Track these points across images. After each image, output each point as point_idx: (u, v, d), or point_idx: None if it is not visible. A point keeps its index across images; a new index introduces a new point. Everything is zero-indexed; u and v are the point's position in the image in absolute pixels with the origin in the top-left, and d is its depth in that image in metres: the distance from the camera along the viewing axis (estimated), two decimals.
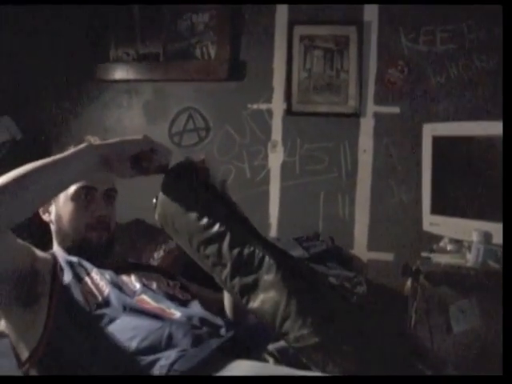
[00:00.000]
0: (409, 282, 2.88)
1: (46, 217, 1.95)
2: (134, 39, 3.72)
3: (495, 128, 2.53)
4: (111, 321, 1.60)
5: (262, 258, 1.46)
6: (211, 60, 3.63)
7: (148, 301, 1.69)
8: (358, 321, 1.41)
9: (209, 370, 1.43)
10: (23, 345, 1.65)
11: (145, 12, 3.68)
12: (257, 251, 1.47)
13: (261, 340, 1.56)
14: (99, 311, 1.63)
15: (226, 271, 1.47)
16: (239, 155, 3.63)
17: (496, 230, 2.61)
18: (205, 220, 1.52)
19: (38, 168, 1.54)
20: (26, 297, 1.65)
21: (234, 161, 3.62)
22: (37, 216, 1.92)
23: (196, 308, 1.74)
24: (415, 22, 3.34)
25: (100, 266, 1.82)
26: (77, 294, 1.66)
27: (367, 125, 3.45)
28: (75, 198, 1.89)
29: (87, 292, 1.68)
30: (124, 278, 1.81)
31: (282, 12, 3.53)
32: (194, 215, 1.53)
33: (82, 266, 1.80)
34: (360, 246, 3.49)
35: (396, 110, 3.40)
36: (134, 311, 1.63)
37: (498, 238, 2.63)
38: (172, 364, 1.43)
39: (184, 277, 2.02)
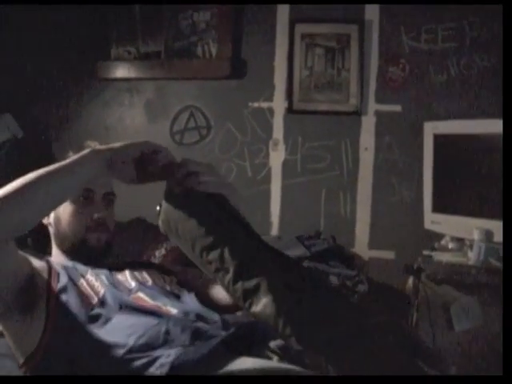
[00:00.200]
0: (410, 281, 2.88)
1: (45, 220, 1.95)
2: (136, 37, 3.72)
3: (496, 126, 2.53)
4: (108, 320, 1.60)
5: (265, 263, 1.46)
6: (212, 58, 3.63)
7: (144, 298, 1.69)
8: (359, 321, 1.41)
9: (210, 368, 1.42)
10: (19, 351, 1.65)
11: (146, 10, 3.67)
12: (259, 256, 1.47)
13: (262, 336, 1.55)
14: (95, 311, 1.63)
15: (229, 276, 1.47)
16: (240, 153, 3.63)
17: (497, 228, 2.61)
18: (207, 225, 1.52)
19: (42, 177, 1.52)
20: (25, 305, 1.65)
21: (236, 159, 3.62)
22: None
23: (192, 303, 1.74)
24: (416, 21, 3.34)
25: (95, 266, 1.83)
26: (73, 296, 1.66)
27: (368, 123, 3.45)
28: (74, 200, 1.89)
29: (83, 294, 1.69)
30: (119, 276, 1.81)
31: (283, 10, 3.53)
32: (196, 222, 1.53)
33: (76, 269, 1.80)
34: (361, 245, 3.49)
35: (397, 108, 3.40)
36: (131, 309, 1.63)
37: (499, 236, 2.63)
38: (173, 362, 1.43)
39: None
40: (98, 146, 1.65)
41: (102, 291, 1.70)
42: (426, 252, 2.96)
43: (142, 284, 1.78)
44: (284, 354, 1.49)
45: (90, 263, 1.84)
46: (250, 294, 1.45)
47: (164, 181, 1.62)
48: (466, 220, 2.87)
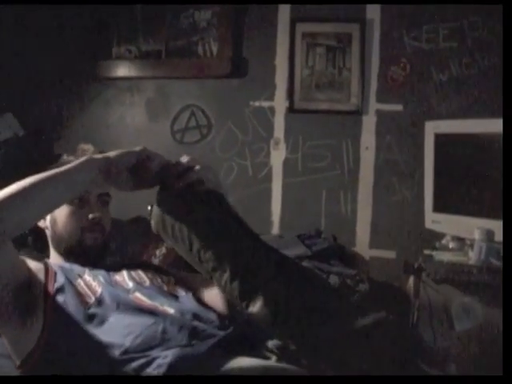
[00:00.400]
0: (411, 280, 2.88)
1: (41, 223, 1.96)
2: (136, 36, 3.72)
3: (497, 125, 2.52)
4: (105, 319, 1.60)
5: (263, 262, 1.46)
6: (213, 57, 3.63)
7: (142, 298, 1.69)
8: (357, 320, 1.41)
9: (208, 368, 1.42)
10: (17, 351, 1.65)
11: (147, 9, 3.67)
12: (256, 255, 1.47)
13: (260, 336, 1.55)
14: (93, 311, 1.63)
15: (226, 275, 1.47)
16: (241, 152, 3.62)
17: (498, 227, 2.60)
18: (205, 224, 1.52)
19: (40, 181, 1.53)
20: (23, 306, 1.65)
21: (236, 158, 3.62)
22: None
23: (190, 303, 1.74)
24: (417, 20, 3.34)
25: (92, 267, 1.83)
26: (70, 296, 1.66)
27: (369, 122, 3.45)
28: (69, 201, 1.89)
29: (80, 294, 1.69)
30: (117, 277, 1.82)
31: (284, 9, 3.52)
32: (193, 220, 1.53)
33: (74, 269, 1.80)
34: (362, 244, 3.49)
35: (398, 107, 3.40)
36: (128, 308, 1.64)
37: (500, 236, 2.62)
38: (170, 362, 1.43)
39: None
40: (95, 155, 1.66)
41: (99, 290, 1.70)
42: (426, 251, 2.96)
43: (139, 284, 1.78)
44: (282, 353, 1.49)
45: (88, 264, 1.84)
46: (247, 294, 1.45)
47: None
48: (467, 219, 2.87)
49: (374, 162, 3.46)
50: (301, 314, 1.38)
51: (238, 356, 1.48)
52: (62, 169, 1.57)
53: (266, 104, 3.58)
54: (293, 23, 3.50)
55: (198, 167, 1.61)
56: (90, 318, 1.61)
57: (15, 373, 1.64)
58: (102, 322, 1.60)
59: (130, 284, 1.77)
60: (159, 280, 1.87)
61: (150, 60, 3.72)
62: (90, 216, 1.91)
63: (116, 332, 1.55)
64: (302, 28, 3.49)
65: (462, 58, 3.28)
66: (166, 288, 1.83)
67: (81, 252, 1.90)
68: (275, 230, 3.59)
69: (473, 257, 2.72)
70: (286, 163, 3.58)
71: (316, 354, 1.36)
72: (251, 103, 3.60)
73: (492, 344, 2.60)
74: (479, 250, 2.69)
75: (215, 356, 1.45)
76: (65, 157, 2.00)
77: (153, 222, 1.63)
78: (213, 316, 1.66)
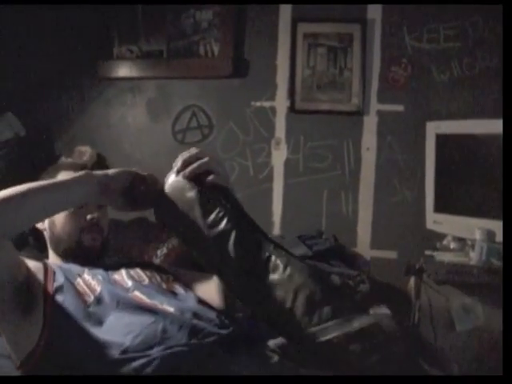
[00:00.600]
0: (412, 281, 2.89)
1: (39, 225, 1.97)
2: (138, 37, 3.72)
3: (498, 126, 2.52)
4: (104, 318, 1.60)
5: (269, 257, 1.46)
6: (215, 57, 3.62)
7: (141, 297, 1.69)
8: (360, 318, 1.41)
9: (208, 367, 1.42)
10: (17, 351, 1.65)
11: (148, 9, 3.67)
12: (263, 250, 1.47)
13: (261, 336, 1.56)
14: (92, 309, 1.63)
15: (231, 270, 1.47)
16: (242, 153, 3.62)
17: (499, 228, 2.60)
18: (211, 218, 1.52)
19: (40, 188, 1.58)
20: (23, 305, 1.65)
21: (238, 158, 3.62)
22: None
23: (189, 301, 1.74)
24: (419, 20, 3.34)
25: (91, 267, 1.83)
26: (70, 295, 1.67)
27: (370, 123, 3.45)
28: None
29: (80, 293, 1.69)
30: (116, 276, 1.82)
31: (285, 9, 3.52)
32: (199, 213, 1.53)
33: (73, 269, 1.80)
34: (363, 244, 3.49)
35: (399, 107, 3.40)
36: (127, 307, 1.64)
37: (501, 236, 2.62)
38: (170, 362, 1.43)
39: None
40: (94, 171, 1.68)
41: (98, 289, 1.70)
42: (427, 252, 2.96)
43: (138, 283, 1.78)
44: (283, 352, 1.49)
45: (86, 264, 1.84)
46: (253, 289, 1.45)
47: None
48: (468, 220, 2.87)
49: (375, 162, 3.46)
50: (308, 310, 1.38)
51: (238, 355, 1.48)
52: (61, 180, 1.66)
53: (267, 104, 3.58)
54: (294, 23, 3.49)
55: (206, 159, 1.62)
56: (90, 316, 1.61)
57: (15, 373, 1.64)
58: (102, 320, 1.60)
59: (129, 283, 1.77)
60: (158, 278, 1.87)
61: (151, 60, 3.72)
62: (88, 217, 1.92)
63: (116, 331, 1.55)
64: (303, 28, 3.49)
65: (463, 59, 3.29)
66: (164, 286, 1.83)
67: (79, 253, 1.90)
68: (276, 230, 3.59)
69: (474, 257, 2.72)
70: (287, 163, 3.58)
71: (318, 353, 1.36)
72: (252, 103, 3.60)
73: (493, 344, 2.60)
74: (480, 251, 2.69)
75: (215, 355, 1.45)
76: (63, 159, 2.01)
77: (156, 212, 1.64)
78: (212, 315, 1.66)
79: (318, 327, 1.37)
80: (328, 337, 1.35)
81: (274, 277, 1.43)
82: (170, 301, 1.69)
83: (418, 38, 3.35)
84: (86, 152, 1.98)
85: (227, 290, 1.75)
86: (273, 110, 3.58)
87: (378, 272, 3.36)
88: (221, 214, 1.53)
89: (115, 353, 1.49)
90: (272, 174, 3.60)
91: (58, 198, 1.61)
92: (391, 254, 3.42)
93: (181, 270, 2.04)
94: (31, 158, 3.35)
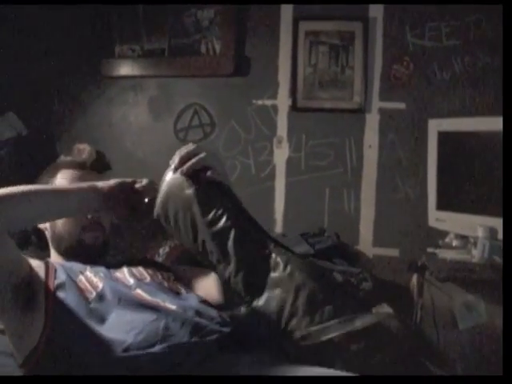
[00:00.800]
0: (414, 278, 2.88)
1: (41, 225, 1.97)
2: (139, 35, 3.72)
3: (500, 124, 2.52)
4: (106, 315, 1.60)
5: (269, 255, 1.46)
6: (216, 56, 3.62)
7: (143, 295, 1.69)
8: (362, 317, 1.40)
9: (210, 365, 1.42)
10: (20, 350, 1.65)
11: (149, 8, 3.67)
12: (263, 248, 1.46)
13: (261, 335, 1.55)
14: (94, 306, 1.63)
15: (231, 268, 1.47)
16: (244, 151, 3.63)
17: (501, 225, 2.60)
18: (210, 215, 1.52)
19: (46, 191, 1.64)
20: (24, 303, 1.65)
21: (240, 157, 3.62)
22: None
23: (192, 300, 1.74)
24: (420, 18, 3.34)
25: (93, 265, 1.83)
26: (71, 292, 1.66)
27: (372, 120, 3.45)
28: None
29: (82, 289, 1.68)
30: (117, 274, 1.81)
31: (287, 8, 3.52)
32: (198, 211, 1.53)
33: (75, 267, 1.80)
34: (365, 242, 3.49)
35: (401, 105, 3.40)
36: (129, 304, 1.63)
37: None
38: (172, 360, 1.43)
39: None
40: (97, 183, 1.72)
41: (100, 285, 1.70)
42: (430, 249, 2.96)
43: (140, 281, 1.78)
44: (283, 351, 1.49)
45: (88, 263, 1.84)
46: (252, 288, 1.44)
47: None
48: (471, 217, 2.86)
49: (377, 160, 3.46)
50: (309, 309, 1.38)
51: (239, 353, 1.48)
52: (63, 187, 1.72)
53: (268, 102, 3.58)
54: (296, 21, 3.49)
55: (203, 154, 1.62)
56: (92, 313, 1.60)
57: (18, 371, 1.64)
58: (104, 317, 1.59)
59: (131, 281, 1.77)
60: (160, 276, 1.87)
61: (152, 59, 3.72)
62: (90, 215, 1.91)
63: (118, 328, 1.55)
64: (304, 26, 3.48)
65: (464, 56, 3.28)
66: (166, 284, 1.83)
67: (81, 251, 1.90)
68: (278, 228, 3.59)
69: (476, 255, 2.72)
70: (289, 161, 3.58)
71: (325, 351, 1.36)
72: (254, 102, 3.60)
73: (495, 342, 2.60)
74: (482, 248, 2.69)
75: (217, 353, 1.45)
76: (62, 157, 2.01)
77: (156, 213, 1.63)
78: (214, 312, 1.66)
79: (320, 326, 1.37)
80: (329, 336, 1.35)
81: (274, 275, 1.43)
82: (171, 299, 1.69)
83: (419, 36, 3.34)
84: (84, 150, 1.97)
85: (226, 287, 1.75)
86: (274, 108, 3.58)
87: (381, 270, 3.36)
88: (220, 212, 1.52)
89: (117, 350, 1.49)
90: (274, 173, 3.60)
91: (59, 204, 1.64)
92: (393, 252, 3.42)
93: (180, 267, 2.04)
94: (33, 158, 3.36)
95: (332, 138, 3.51)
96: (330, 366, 1.33)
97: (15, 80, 3.68)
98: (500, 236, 2.68)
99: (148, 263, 2.00)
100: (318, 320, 1.37)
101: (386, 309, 1.42)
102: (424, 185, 3.17)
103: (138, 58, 3.74)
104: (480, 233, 2.72)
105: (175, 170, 1.62)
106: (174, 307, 1.63)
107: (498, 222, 2.68)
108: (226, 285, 1.54)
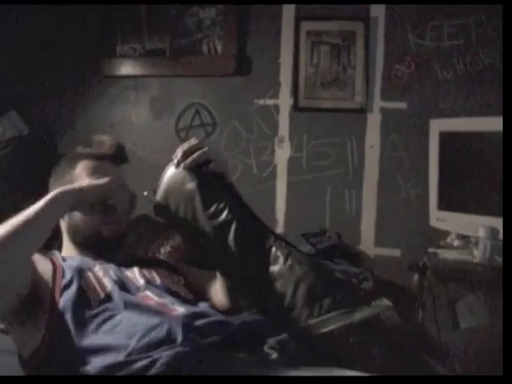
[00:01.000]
0: (416, 278, 2.88)
1: None
2: (141, 35, 3.72)
3: (501, 124, 2.52)
4: (112, 317, 1.59)
5: (269, 249, 1.46)
6: (218, 55, 3.63)
7: (151, 297, 1.69)
8: (361, 311, 1.41)
9: (210, 367, 1.42)
10: (21, 352, 1.65)
11: (151, 8, 3.67)
12: (263, 241, 1.47)
13: (260, 334, 1.55)
14: (100, 308, 1.62)
15: (232, 262, 1.47)
16: (246, 151, 3.63)
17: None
18: (212, 209, 1.52)
19: (18, 227, 1.52)
20: (29, 308, 1.63)
21: (241, 156, 3.62)
22: None
23: (199, 303, 1.74)
24: (422, 18, 3.33)
25: (105, 260, 1.82)
26: (77, 293, 1.64)
27: (374, 120, 3.45)
28: None
29: (89, 288, 1.67)
30: (128, 273, 1.80)
31: (288, 7, 3.52)
32: (200, 204, 1.53)
33: (84, 264, 1.78)
34: (367, 242, 3.49)
35: (403, 105, 3.40)
36: (135, 307, 1.62)
37: None
38: (173, 363, 1.43)
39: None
40: (64, 187, 1.68)
41: (108, 287, 1.69)
42: (431, 249, 2.96)
43: (150, 282, 1.78)
44: (283, 349, 1.49)
45: (101, 257, 1.83)
46: (254, 281, 1.44)
47: None
48: (472, 217, 2.86)
49: (378, 160, 3.46)
50: (308, 301, 1.38)
51: (238, 353, 1.48)
52: (35, 208, 1.56)
53: (270, 102, 3.58)
54: (297, 21, 3.49)
55: (206, 148, 1.63)
56: (96, 316, 1.60)
57: (20, 370, 1.64)
58: (109, 319, 1.59)
59: (141, 281, 1.76)
60: (170, 279, 1.86)
61: (154, 58, 3.72)
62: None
63: (122, 332, 1.54)
64: (306, 26, 3.48)
65: (466, 56, 3.28)
66: (176, 288, 1.82)
67: (97, 243, 1.86)
68: (280, 228, 3.58)
69: (477, 255, 2.72)
70: (291, 161, 3.58)
71: (325, 343, 1.36)
72: (256, 101, 3.60)
73: (496, 342, 2.60)
74: (484, 248, 2.69)
75: (219, 356, 1.45)
76: (80, 148, 1.99)
77: (155, 209, 1.63)
78: (218, 316, 1.66)
79: (319, 319, 1.37)
80: (329, 328, 1.36)
81: (274, 268, 1.43)
82: (180, 302, 1.69)
83: (421, 36, 3.34)
84: (105, 142, 1.96)
85: (230, 286, 1.76)
86: (276, 107, 3.58)
87: (382, 270, 3.36)
88: (221, 205, 1.53)
89: (120, 356, 1.48)
90: (275, 172, 3.60)
91: (35, 231, 1.56)
92: (395, 252, 3.42)
93: (187, 268, 2.03)
94: (34, 157, 3.36)
95: (333, 138, 3.51)
96: (330, 359, 1.33)
97: (17, 79, 3.69)
98: (501, 236, 2.67)
99: (159, 264, 1.99)
100: (317, 312, 1.37)
101: (385, 301, 1.42)
102: (425, 185, 3.17)
103: (140, 57, 3.74)
104: (481, 233, 2.72)
105: (178, 164, 1.63)
106: (181, 310, 1.62)
107: (499, 222, 2.67)
108: (227, 280, 1.54)
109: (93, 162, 1.93)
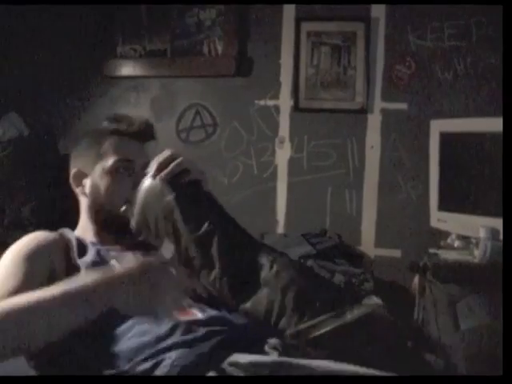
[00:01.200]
0: (416, 279, 2.88)
1: (79, 190, 1.86)
2: (141, 35, 3.72)
3: (502, 124, 2.52)
4: (122, 322, 1.57)
5: (254, 257, 1.45)
6: (218, 56, 3.63)
7: None
8: (353, 310, 1.40)
9: (209, 367, 1.42)
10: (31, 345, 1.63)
11: (152, 8, 3.68)
12: (247, 250, 1.46)
13: (260, 333, 1.54)
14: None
15: (215, 272, 1.45)
16: (246, 151, 3.63)
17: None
18: (192, 220, 1.50)
19: (52, 299, 1.30)
20: None
21: (242, 157, 3.62)
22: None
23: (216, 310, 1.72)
24: (422, 18, 3.34)
25: (124, 246, 1.75)
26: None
27: (375, 121, 3.45)
28: (113, 170, 1.81)
29: None
30: None
31: (289, 8, 3.53)
32: (180, 217, 1.51)
33: (102, 252, 1.72)
34: (367, 243, 3.49)
35: (403, 106, 3.40)
36: None
37: None
38: (174, 364, 1.42)
39: None
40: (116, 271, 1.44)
41: None
42: (431, 250, 2.96)
43: None
44: (283, 349, 1.49)
45: (120, 238, 1.77)
46: (238, 291, 1.44)
47: None
48: (472, 218, 2.86)
49: (379, 160, 3.46)
50: (297, 307, 1.38)
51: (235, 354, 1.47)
52: (79, 285, 1.33)
53: (271, 103, 3.59)
54: (298, 22, 3.50)
55: (180, 159, 1.61)
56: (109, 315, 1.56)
57: (25, 368, 1.64)
58: (121, 323, 1.55)
59: None
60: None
61: (155, 59, 3.73)
62: (136, 187, 1.75)
63: (126, 331, 1.52)
64: (306, 27, 3.49)
65: (466, 57, 3.28)
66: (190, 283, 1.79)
67: (119, 224, 1.74)
68: (280, 228, 3.58)
69: (478, 255, 2.71)
70: (291, 162, 3.58)
71: (316, 348, 1.36)
72: (256, 102, 3.60)
73: (495, 342, 2.60)
74: (484, 249, 2.68)
75: (217, 354, 1.44)
76: (106, 123, 1.96)
77: (134, 222, 1.61)
78: (219, 315, 1.65)
79: (310, 322, 1.36)
80: (321, 331, 1.35)
81: (260, 276, 1.42)
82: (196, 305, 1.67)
83: (421, 37, 3.34)
84: (135, 120, 1.93)
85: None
86: (276, 108, 3.58)
87: (382, 270, 3.36)
88: (202, 217, 1.51)
89: (125, 363, 1.46)
90: (276, 173, 3.60)
91: (77, 311, 1.32)
92: (395, 253, 3.42)
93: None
94: (35, 158, 3.36)
95: (334, 139, 3.51)
96: (324, 359, 1.33)
97: (17, 80, 3.69)
98: (502, 237, 2.67)
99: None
100: (307, 317, 1.37)
101: (374, 300, 1.42)
102: (426, 185, 3.17)
103: (140, 58, 3.74)
104: (482, 233, 2.72)
105: (154, 177, 1.60)
106: (199, 315, 1.57)
107: (499, 223, 2.67)
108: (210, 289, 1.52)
109: (120, 138, 1.91)
